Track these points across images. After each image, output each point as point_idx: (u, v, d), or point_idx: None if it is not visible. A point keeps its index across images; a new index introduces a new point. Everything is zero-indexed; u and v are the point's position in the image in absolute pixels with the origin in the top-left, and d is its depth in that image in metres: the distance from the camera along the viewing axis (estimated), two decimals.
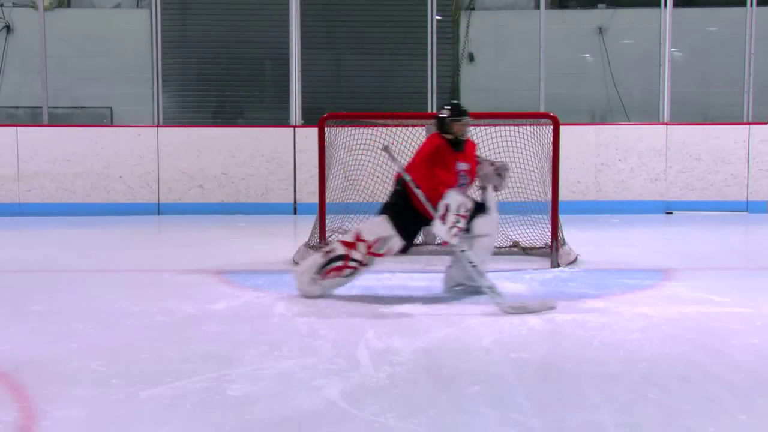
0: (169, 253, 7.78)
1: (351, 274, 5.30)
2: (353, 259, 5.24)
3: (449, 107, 5.46)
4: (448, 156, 5.33)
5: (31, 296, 5.43)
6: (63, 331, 4.46)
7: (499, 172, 5.57)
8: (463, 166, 5.38)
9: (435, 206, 5.10)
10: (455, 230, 5.07)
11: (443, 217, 5.05)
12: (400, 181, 5.33)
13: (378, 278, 5.92)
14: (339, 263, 5.26)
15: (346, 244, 5.27)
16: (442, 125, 5.42)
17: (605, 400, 3.30)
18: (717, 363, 3.82)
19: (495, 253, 6.91)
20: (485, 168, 5.56)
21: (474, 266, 5.08)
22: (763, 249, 8.29)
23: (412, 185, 5.20)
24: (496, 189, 5.57)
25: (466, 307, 5.01)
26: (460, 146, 5.41)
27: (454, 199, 5.09)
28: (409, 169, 5.31)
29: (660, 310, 4.89)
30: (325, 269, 5.27)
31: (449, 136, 5.39)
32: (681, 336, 4.32)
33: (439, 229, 5.08)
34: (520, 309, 4.84)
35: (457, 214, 5.09)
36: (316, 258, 5.34)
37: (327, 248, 5.39)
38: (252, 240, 8.43)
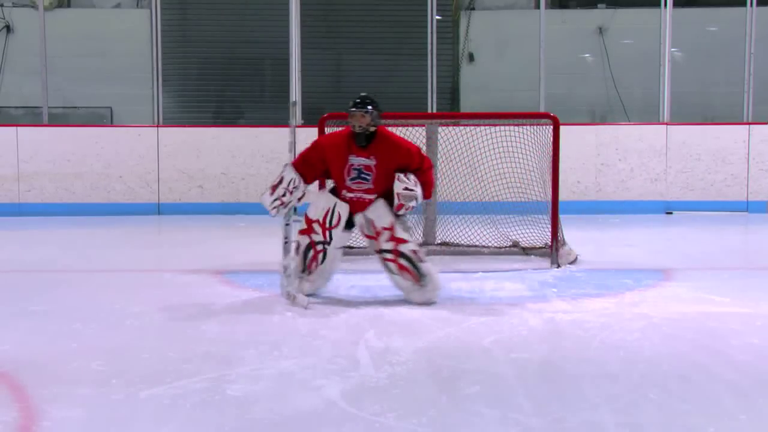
0: (169, 253, 7.78)
1: (325, 258, 5.24)
2: (318, 242, 5.23)
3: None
4: (343, 148, 5.24)
5: (31, 296, 5.43)
6: (63, 331, 4.46)
7: (400, 198, 5.13)
8: (359, 161, 5.21)
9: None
10: (278, 203, 5.20)
11: (274, 187, 5.21)
12: None
13: (378, 278, 5.91)
14: (311, 253, 5.25)
15: (303, 232, 5.26)
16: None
17: (605, 400, 3.30)
18: (717, 363, 3.82)
19: (495, 253, 6.95)
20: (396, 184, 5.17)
21: (286, 242, 5.18)
22: (763, 249, 8.28)
23: None
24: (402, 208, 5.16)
25: (466, 307, 5.01)
26: (362, 140, 5.20)
27: (289, 173, 5.24)
28: None
29: (660, 310, 4.89)
30: (307, 265, 5.26)
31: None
32: (681, 336, 4.32)
33: (265, 198, 5.21)
34: (293, 299, 5.03)
35: (287, 188, 5.20)
36: (295, 260, 5.25)
37: (295, 246, 5.30)
38: (252, 240, 8.42)
